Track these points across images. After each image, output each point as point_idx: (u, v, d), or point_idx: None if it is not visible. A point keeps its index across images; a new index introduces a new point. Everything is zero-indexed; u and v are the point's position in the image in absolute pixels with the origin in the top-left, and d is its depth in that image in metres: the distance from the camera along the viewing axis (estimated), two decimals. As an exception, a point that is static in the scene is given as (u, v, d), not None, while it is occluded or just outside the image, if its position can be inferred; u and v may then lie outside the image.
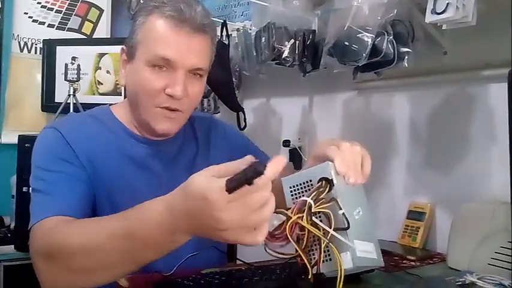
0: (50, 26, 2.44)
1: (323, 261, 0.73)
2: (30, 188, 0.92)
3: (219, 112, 2.03)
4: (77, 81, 2.07)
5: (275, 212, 0.71)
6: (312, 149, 1.71)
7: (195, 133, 1.12)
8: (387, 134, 1.50)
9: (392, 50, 1.23)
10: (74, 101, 2.03)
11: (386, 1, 1.21)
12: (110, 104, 1.07)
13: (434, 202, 1.35)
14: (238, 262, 1.05)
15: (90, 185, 0.93)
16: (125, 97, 1.10)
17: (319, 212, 0.72)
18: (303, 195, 0.75)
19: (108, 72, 2.19)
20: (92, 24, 2.57)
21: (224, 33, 1.74)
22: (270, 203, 0.61)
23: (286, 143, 1.77)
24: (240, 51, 1.73)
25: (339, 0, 1.33)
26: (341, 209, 0.73)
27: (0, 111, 2.26)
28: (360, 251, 0.75)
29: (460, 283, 0.88)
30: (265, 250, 0.72)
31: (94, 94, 2.22)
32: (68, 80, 2.05)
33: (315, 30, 1.52)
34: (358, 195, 0.82)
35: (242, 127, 1.81)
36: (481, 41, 1.21)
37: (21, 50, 2.36)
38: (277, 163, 0.61)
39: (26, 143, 1.62)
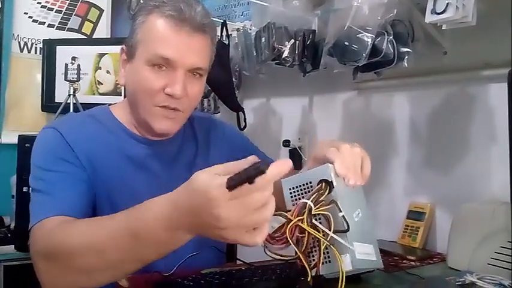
0: (50, 26, 2.44)
1: (322, 263, 0.74)
2: (30, 188, 0.92)
3: (219, 112, 2.03)
4: (77, 81, 2.07)
5: (275, 214, 0.71)
6: (312, 149, 1.71)
7: (194, 133, 1.12)
8: (387, 134, 1.50)
9: (392, 50, 1.23)
10: (74, 101, 2.03)
11: (386, 1, 1.21)
12: (109, 104, 1.07)
13: (434, 202, 1.35)
14: (238, 262, 1.05)
15: (90, 185, 0.93)
16: (124, 97, 1.10)
17: (318, 214, 0.72)
18: (303, 197, 0.75)
19: (108, 72, 2.19)
20: (92, 24, 2.57)
21: (224, 33, 1.74)
22: (271, 204, 0.61)
23: (286, 143, 1.77)
24: (240, 51, 1.73)
25: (339, 0, 1.33)
26: (341, 211, 0.73)
27: (0, 111, 2.26)
28: (359, 253, 0.75)
29: (460, 283, 0.88)
30: (265, 252, 0.72)
31: (94, 94, 2.22)
32: (68, 80, 2.05)
33: (315, 30, 1.52)
34: (357, 197, 0.82)
35: (242, 127, 1.81)
36: (481, 41, 1.21)
37: (21, 50, 2.36)
38: (282, 165, 0.60)
39: (26, 143, 1.62)
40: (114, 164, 0.97)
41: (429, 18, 1.09)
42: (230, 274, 0.90)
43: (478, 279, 0.87)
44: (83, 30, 2.54)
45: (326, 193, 0.74)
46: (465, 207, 1.11)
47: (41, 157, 0.94)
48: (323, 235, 0.71)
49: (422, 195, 1.39)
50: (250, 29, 1.72)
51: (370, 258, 0.80)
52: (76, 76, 2.06)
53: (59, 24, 2.47)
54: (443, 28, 1.11)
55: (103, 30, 2.59)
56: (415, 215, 1.36)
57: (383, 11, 1.22)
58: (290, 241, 0.70)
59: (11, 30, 2.31)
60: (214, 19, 1.04)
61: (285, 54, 1.49)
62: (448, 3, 1.05)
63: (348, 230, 0.73)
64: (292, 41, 1.49)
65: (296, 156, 1.73)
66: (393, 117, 1.49)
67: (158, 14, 0.92)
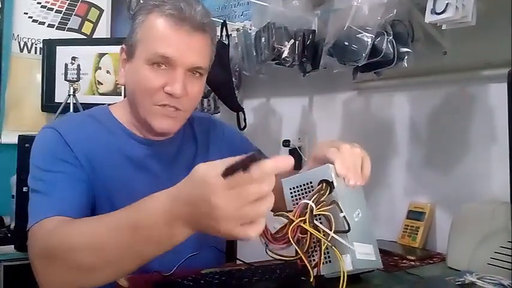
0: (50, 26, 2.45)
1: (323, 263, 0.74)
2: (29, 189, 0.92)
3: (219, 112, 2.03)
4: (77, 81, 2.07)
5: (277, 214, 0.71)
6: (312, 149, 1.71)
7: (194, 133, 1.12)
8: (387, 134, 1.50)
9: (392, 50, 1.23)
10: (74, 101, 2.03)
11: (386, 1, 1.21)
12: (109, 104, 1.07)
13: (434, 202, 1.35)
14: (238, 262, 1.05)
15: (89, 185, 0.93)
16: (124, 97, 1.10)
17: (319, 214, 0.73)
18: (303, 197, 0.76)
19: (108, 72, 2.20)
20: (92, 24, 2.57)
21: (224, 33, 1.74)
22: (268, 200, 0.61)
23: (286, 143, 1.77)
24: (240, 51, 1.73)
25: (339, 0, 1.33)
26: (342, 211, 0.73)
27: (0, 111, 2.26)
28: (359, 253, 0.76)
29: (459, 283, 0.88)
30: (266, 252, 0.72)
31: (94, 94, 2.22)
32: (68, 80, 2.05)
33: (314, 30, 1.52)
34: (357, 197, 0.82)
35: (242, 127, 1.81)
36: (481, 41, 1.21)
37: (21, 50, 2.36)
38: (282, 160, 0.60)
39: (26, 143, 1.62)
40: (113, 164, 0.97)
41: (429, 18, 1.09)
42: (230, 274, 0.90)
43: (477, 279, 0.87)
44: (83, 30, 2.54)
45: (327, 193, 0.74)
46: (465, 207, 1.11)
47: (40, 157, 0.94)
48: (324, 235, 0.71)
49: (422, 195, 1.39)
50: (250, 29, 1.72)
51: (370, 259, 0.80)
52: (76, 76, 2.06)
53: (59, 24, 2.47)
54: (443, 28, 1.11)
55: (103, 30, 2.59)
56: (415, 215, 1.36)
57: (383, 11, 1.22)
58: (292, 241, 0.70)
59: (11, 30, 2.31)
60: (214, 19, 1.04)
61: (285, 54, 1.49)
62: (447, 3, 1.05)
63: (348, 230, 0.73)
64: (292, 41, 1.50)
65: (296, 156, 1.73)
66: (393, 117, 1.49)
67: (158, 13, 0.92)
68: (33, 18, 2.40)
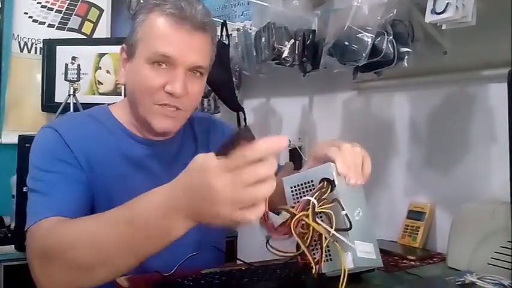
0: (50, 26, 2.45)
1: (324, 261, 0.74)
2: (28, 188, 0.91)
3: (219, 112, 2.03)
4: (77, 81, 2.07)
5: (279, 209, 0.71)
6: (312, 149, 1.71)
7: (194, 133, 1.11)
8: (387, 134, 1.50)
9: (392, 50, 1.22)
10: (74, 101, 2.03)
11: (386, 1, 1.21)
12: (109, 104, 1.07)
13: (434, 202, 1.35)
14: (238, 262, 1.05)
15: (88, 186, 0.92)
16: (125, 96, 1.10)
17: (320, 212, 0.72)
18: (305, 196, 0.75)
19: (108, 72, 2.20)
20: (92, 24, 2.57)
21: (224, 33, 1.74)
22: (268, 183, 0.61)
23: (286, 143, 1.76)
24: (240, 51, 1.73)
25: (339, 0, 1.33)
26: (343, 209, 0.74)
27: (0, 111, 2.26)
28: (360, 252, 0.76)
29: (460, 283, 0.88)
30: (267, 247, 0.72)
31: (94, 94, 2.22)
32: (68, 80, 2.05)
33: (315, 30, 1.52)
34: (358, 196, 0.83)
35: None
36: (481, 41, 1.21)
37: (21, 50, 2.36)
38: (274, 140, 0.60)
39: (26, 143, 1.62)
40: (113, 164, 0.97)
41: (429, 18, 1.09)
42: (230, 274, 0.90)
43: (478, 279, 0.87)
44: (83, 30, 2.54)
45: (328, 192, 0.74)
46: (465, 207, 1.11)
47: (39, 157, 0.93)
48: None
49: (422, 195, 1.39)
50: (250, 29, 1.72)
51: (371, 257, 0.80)
52: (76, 76, 2.06)
53: (59, 24, 2.47)
54: (443, 28, 1.11)
55: (103, 30, 2.59)
56: (415, 214, 1.36)
57: (383, 11, 1.22)
58: (293, 232, 0.69)
59: (11, 30, 2.31)
60: (214, 19, 1.04)
61: (285, 54, 1.49)
62: (447, 3, 1.05)
63: (350, 228, 0.73)
64: (292, 41, 1.49)
65: (296, 156, 1.73)
66: (393, 117, 1.49)
67: (159, 12, 0.92)
68: (33, 18, 2.40)
